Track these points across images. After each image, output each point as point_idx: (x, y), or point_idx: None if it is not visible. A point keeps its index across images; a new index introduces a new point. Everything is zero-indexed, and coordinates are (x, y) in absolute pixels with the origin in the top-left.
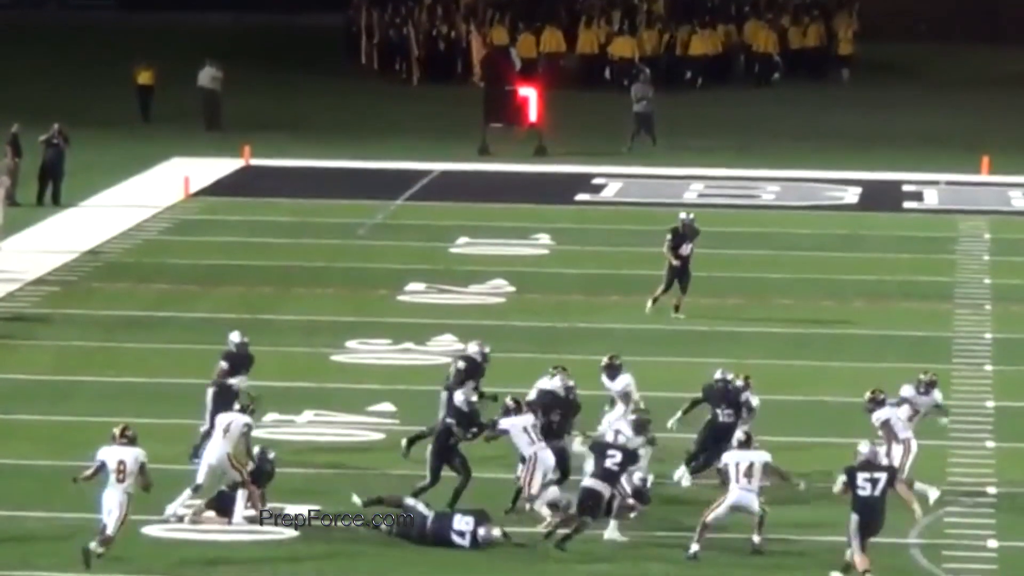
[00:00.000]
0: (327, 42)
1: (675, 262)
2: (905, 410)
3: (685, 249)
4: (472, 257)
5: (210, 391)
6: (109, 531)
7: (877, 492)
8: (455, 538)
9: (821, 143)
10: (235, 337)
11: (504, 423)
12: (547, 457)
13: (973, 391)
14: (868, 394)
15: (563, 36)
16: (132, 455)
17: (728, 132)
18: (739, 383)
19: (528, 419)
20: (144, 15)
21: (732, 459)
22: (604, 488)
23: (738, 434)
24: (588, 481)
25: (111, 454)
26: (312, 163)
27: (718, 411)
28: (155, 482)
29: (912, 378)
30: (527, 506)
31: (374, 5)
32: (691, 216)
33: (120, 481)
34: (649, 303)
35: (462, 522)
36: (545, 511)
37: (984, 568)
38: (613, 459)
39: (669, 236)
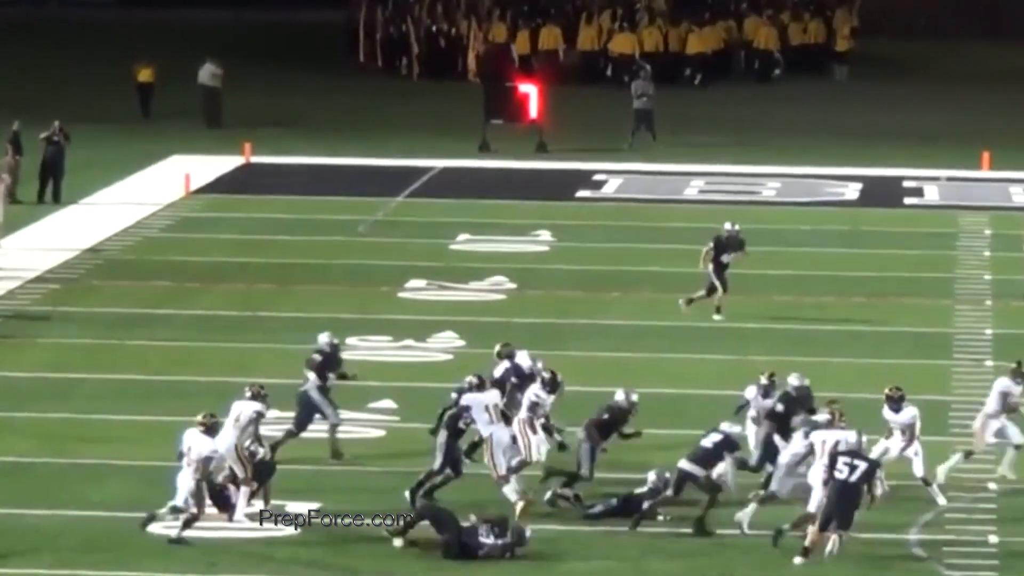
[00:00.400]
0: (327, 39)
1: (702, 267)
2: (994, 403)
3: (726, 258)
4: (473, 254)
5: (314, 392)
6: (192, 510)
7: (853, 478)
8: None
9: (822, 139)
10: (325, 338)
11: (466, 399)
12: (503, 436)
13: (974, 387)
14: (888, 390)
15: (563, 33)
16: (199, 444)
17: (729, 128)
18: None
19: (491, 396)
20: (144, 12)
21: (819, 438)
22: (698, 470)
23: (821, 416)
24: (682, 462)
25: (186, 438)
26: (312, 160)
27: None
28: (158, 480)
29: (1005, 370)
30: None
31: (374, 2)
32: (736, 227)
33: (188, 465)
34: (716, 315)
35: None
36: (513, 495)
37: (985, 564)
38: (712, 439)
39: (711, 244)
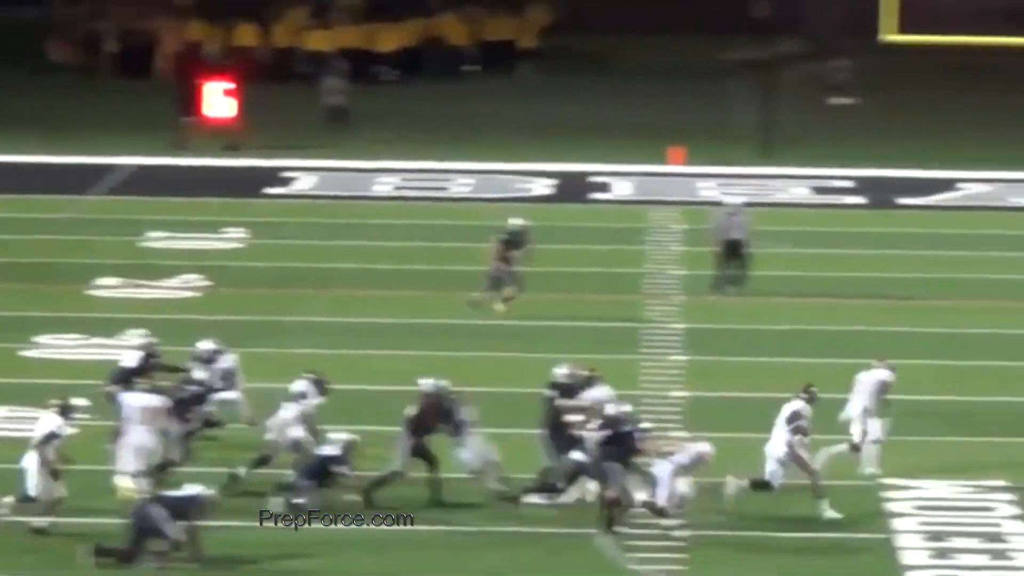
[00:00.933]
0: (24, 36)
1: (493, 266)
2: (872, 395)
3: (515, 253)
4: (166, 251)
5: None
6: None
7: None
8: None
9: (514, 135)
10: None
11: (123, 395)
12: (143, 441)
13: (661, 381)
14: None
15: (258, 29)
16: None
17: (422, 125)
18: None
19: (150, 400)
20: None
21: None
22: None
23: None
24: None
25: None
26: (5, 158)
27: None
28: None
29: (879, 363)
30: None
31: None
32: (521, 223)
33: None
34: (498, 305)
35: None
36: (129, 483)
37: (672, 557)
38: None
39: (501, 240)
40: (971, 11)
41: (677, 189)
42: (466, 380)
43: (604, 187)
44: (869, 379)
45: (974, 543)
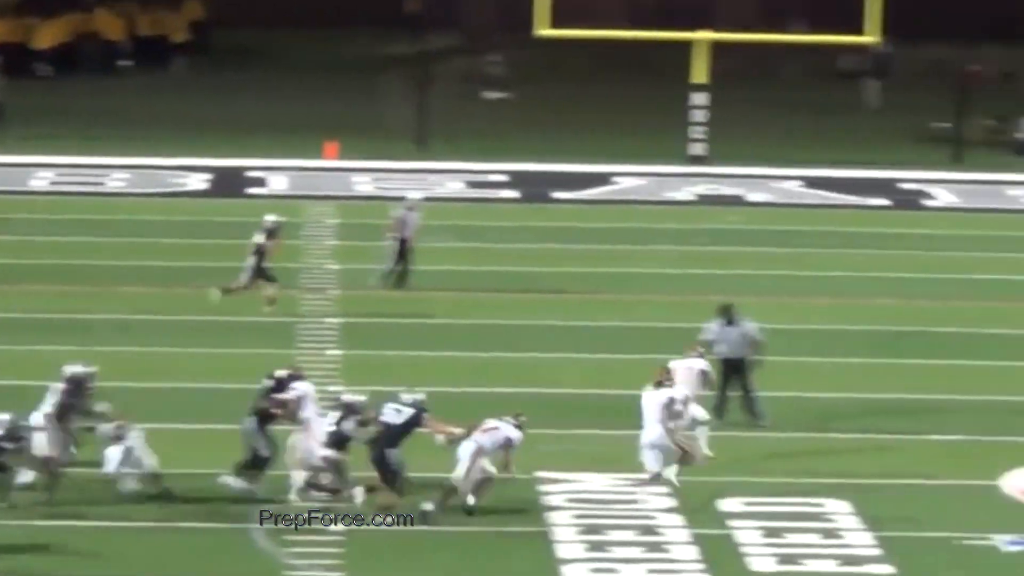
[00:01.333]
0: None
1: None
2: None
3: (268, 247)
4: None
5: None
6: None
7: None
8: None
9: (168, 129)
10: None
11: None
12: None
13: (317, 375)
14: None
15: None
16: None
17: (77, 120)
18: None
19: None
20: None
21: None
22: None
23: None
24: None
25: None
26: None
27: None
28: None
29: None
30: None
31: None
32: (275, 218)
33: None
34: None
35: None
36: None
37: (330, 551)
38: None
39: (260, 237)
40: (622, 7)
41: (332, 184)
42: (120, 375)
43: (260, 182)
44: (687, 368)
45: (629, 535)
